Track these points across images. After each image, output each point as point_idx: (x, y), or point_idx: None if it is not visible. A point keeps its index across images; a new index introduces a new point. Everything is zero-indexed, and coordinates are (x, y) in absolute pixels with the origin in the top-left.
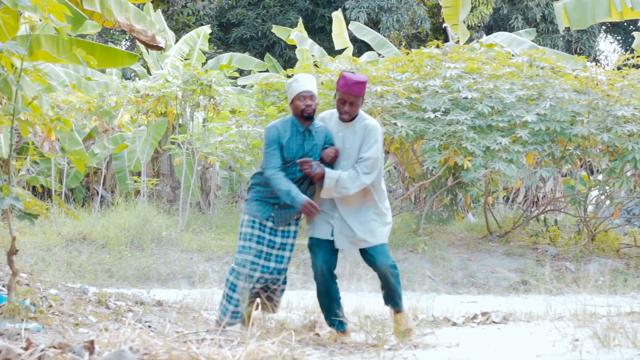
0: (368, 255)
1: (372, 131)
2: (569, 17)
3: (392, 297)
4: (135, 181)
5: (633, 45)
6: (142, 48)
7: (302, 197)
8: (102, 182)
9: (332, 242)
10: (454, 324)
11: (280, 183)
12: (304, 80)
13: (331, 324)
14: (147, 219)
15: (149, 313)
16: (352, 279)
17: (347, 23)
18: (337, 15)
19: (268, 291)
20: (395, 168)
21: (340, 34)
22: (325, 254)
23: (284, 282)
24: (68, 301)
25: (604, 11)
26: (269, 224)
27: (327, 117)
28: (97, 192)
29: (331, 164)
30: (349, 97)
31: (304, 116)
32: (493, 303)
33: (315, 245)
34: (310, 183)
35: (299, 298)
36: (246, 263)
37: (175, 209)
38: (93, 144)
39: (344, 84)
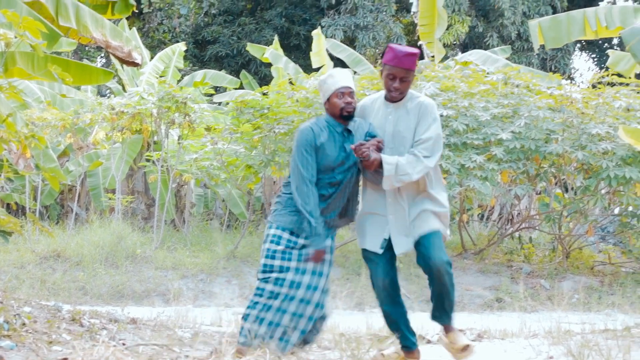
0: (421, 249)
1: (428, 108)
2: (544, 35)
3: (443, 307)
4: (110, 198)
5: (607, 63)
6: (118, 65)
7: (324, 240)
8: (76, 199)
9: (388, 251)
10: (429, 342)
11: (309, 199)
12: (340, 75)
13: (402, 343)
14: (122, 236)
15: (123, 331)
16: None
17: None
18: (317, 34)
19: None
20: None
21: (319, 52)
22: (384, 265)
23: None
24: (42, 319)
25: (578, 29)
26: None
27: (368, 105)
28: (72, 210)
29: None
30: (400, 71)
31: (344, 115)
32: (468, 320)
33: (370, 257)
34: (349, 190)
35: None
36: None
37: (150, 226)
38: (68, 161)
39: (393, 57)
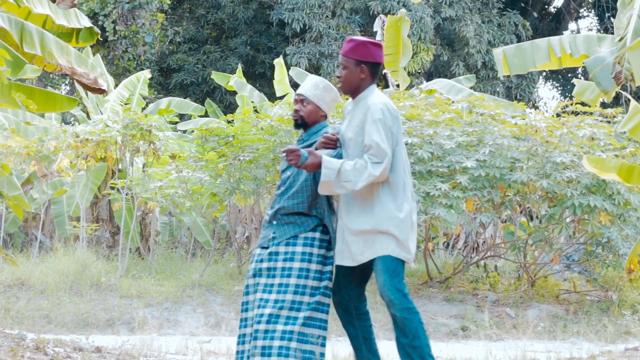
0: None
1: (370, 110)
2: (509, 62)
3: (400, 343)
4: (75, 226)
5: (573, 93)
6: (82, 92)
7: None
8: (40, 227)
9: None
10: None
11: None
12: (304, 83)
13: None
14: (86, 264)
15: (88, 359)
16: None
17: (288, 69)
18: (279, 62)
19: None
20: None
21: (282, 81)
22: (341, 280)
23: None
24: (5, 347)
25: (543, 57)
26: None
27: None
28: (36, 237)
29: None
30: (340, 58)
31: (294, 121)
32: (433, 349)
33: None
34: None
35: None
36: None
37: (115, 254)
38: (32, 188)
39: (343, 46)
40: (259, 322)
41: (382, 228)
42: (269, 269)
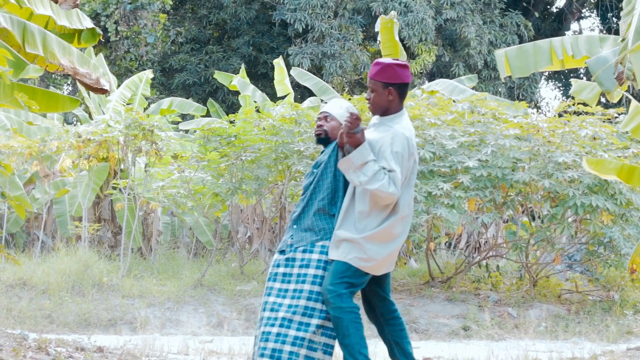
0: None
1: (395, 139)
2: (511, 65)
3: (339, 342)
4: (77, 226)
5: (571, 92)
6: (84, 93)
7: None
8: (42, 227)
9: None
10: None
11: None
12: (328, 103)
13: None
14: (88, 264)
15: (90, 359)
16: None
17: (290, 69)
18: (278, 63)
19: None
20: None
21: (281, 81)
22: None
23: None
24: (8, 347)
25: (545, 59)
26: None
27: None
28: (38, 237)
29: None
30: (369, 82)
31: (316, 136)
32: (435, 349)
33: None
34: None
35: (241, 344)
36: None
37: (117, 254)
38: (34, 188)
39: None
40: (272, 325)
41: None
42: (284, 274)
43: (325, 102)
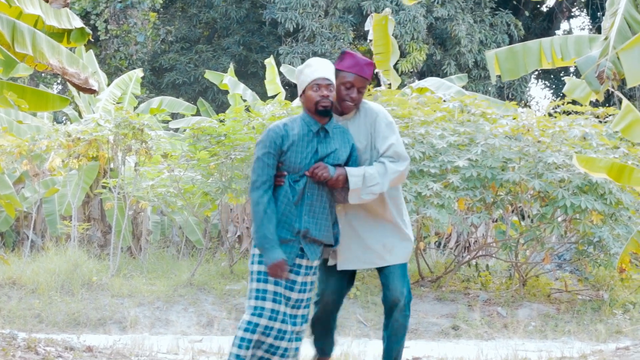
0: (381, 277)
1: (379, 115)
2: (501, 66)
3: (390, 348)
4: (66, 225)
5: (564, 90)
6: (74, 92)
7: (277, 255)
8: (32, 226)
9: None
10: None
11: (264, 214)
12: (317, 65)
13: (319, 350)
14: (78, 263)
15: (79, 359)
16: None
17: (279, 68)
18: (269, 62)
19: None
20: None
21: (272, 81)
22: (337, 281)
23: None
24: None
25: (534, 61)
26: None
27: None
28: (27, 237)
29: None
30: (359, 80)
31: (319, 110)
32: (425, 348)
33: (325, 270)
34: (321, 201)
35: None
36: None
37: (106, 253)
38: (23, 187)
39: (354, 64)
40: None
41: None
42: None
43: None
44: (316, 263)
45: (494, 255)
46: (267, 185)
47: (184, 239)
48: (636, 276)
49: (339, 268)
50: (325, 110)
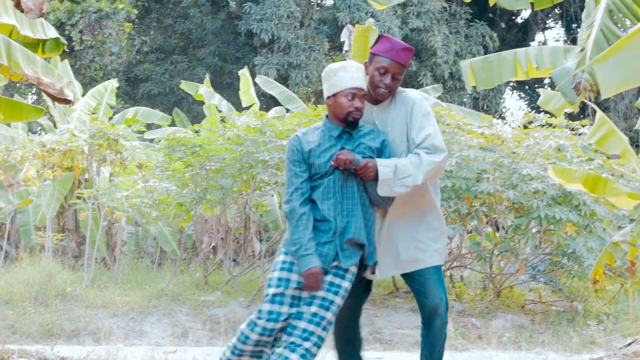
0: (416, 283)
1: (416, 103)
2: (476, 76)
3: (429, 352)
4: (40, 236)
5: (538, 102)
6: (49, 102)
7: (313, 261)
8: (6, 236)
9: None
10: None
11: (299, 228)
12: (356, 72)
13: None
14: (52, 274)
15: None
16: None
17: (253, 79)
18: (243, 73)
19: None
20: None
21: (247, 92)
22: (355, 291)
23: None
24: None
25: (510, 70)
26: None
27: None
28: (1, 247)
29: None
30: (395, 66)
31: (348, 121)
32: (399, 359)
33: None
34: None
35: (205, 355)
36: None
37: (81, 264)
38: None
39: (390, 48)
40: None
41: None
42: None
43: (289, 110)
44: (352, 268)
45: (468, 266)
46: (298, 193)
47: (158, 249)
48: (610, 287)
49: (378, 277)
50: (355, 122)
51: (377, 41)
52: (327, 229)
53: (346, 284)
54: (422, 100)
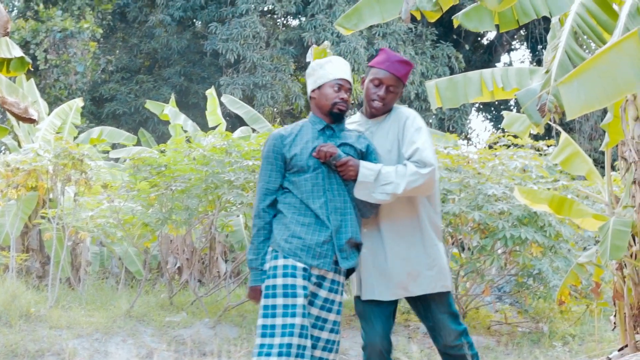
0: (427, 321)
1: (409, 118)
2: (441, 96)
3: None
4: (4, 256)
5: (502, 125)
6: (13, 121)
7: (261, 279)
8: None
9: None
10: None
11: (260, 237)
12: (341, 65)
13: None
14: (16, 294)
15: None
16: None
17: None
18: (210, 93)
19: None
20: None
21: (213, 112)
22: (384, 322)
23: None
24: None
25: (475, 90)
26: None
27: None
28: None
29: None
30: (389, 78)
31: (333, 112)
32: None
33: (370, 309)
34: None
35: None
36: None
37: (45, 284)
38: None
39: (384, 60)
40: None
41: None
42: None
43: (255, 130)
44: (342, 279)
45: None
46: (268, 195)
47: (123, 269)
48: (575, 308)
49: (363, 298)
50: (339, 115)
51: (376, 55)
52: (324, 227)
53: (341, 299)
54: (416, 116)
